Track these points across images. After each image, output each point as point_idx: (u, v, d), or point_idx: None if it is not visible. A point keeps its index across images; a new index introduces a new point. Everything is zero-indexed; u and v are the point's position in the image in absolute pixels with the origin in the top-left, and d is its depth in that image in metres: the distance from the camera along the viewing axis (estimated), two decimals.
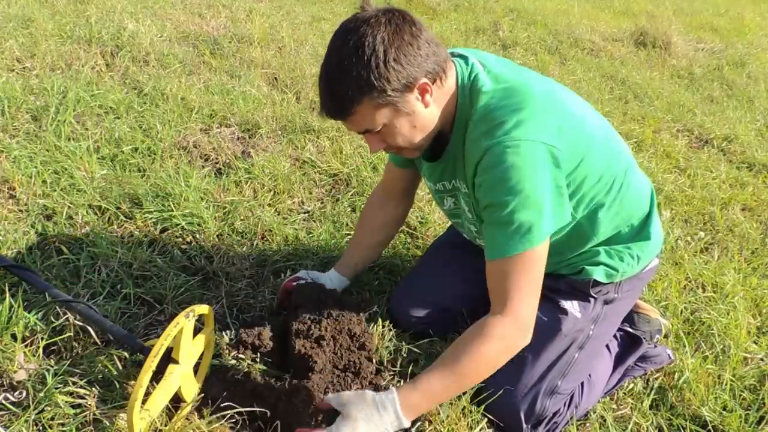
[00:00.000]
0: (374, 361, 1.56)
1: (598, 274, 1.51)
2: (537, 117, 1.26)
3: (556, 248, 1.50)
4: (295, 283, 1.67)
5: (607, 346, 1.68)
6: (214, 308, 1.66)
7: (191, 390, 1.35)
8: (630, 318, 1.77)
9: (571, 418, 1.52)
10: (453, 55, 1.39)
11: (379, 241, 1.82)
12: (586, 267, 1.52)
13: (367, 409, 1.25)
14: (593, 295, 1.53)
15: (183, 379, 1.30)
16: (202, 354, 1.41)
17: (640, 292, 1.75)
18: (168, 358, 1.28)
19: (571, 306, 1.53)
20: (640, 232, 1.55)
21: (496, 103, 1.28)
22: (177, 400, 1.33)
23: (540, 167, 1.23)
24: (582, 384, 1.56)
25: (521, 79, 1.34)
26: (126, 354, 1.45)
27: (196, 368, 1.39)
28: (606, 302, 1.57)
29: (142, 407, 1.19)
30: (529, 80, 1.35)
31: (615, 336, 1.73)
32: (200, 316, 1.35)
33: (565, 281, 1.55)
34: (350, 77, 1.19)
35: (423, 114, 1.29)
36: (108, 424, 1.27)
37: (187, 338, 1.29)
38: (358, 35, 1.18)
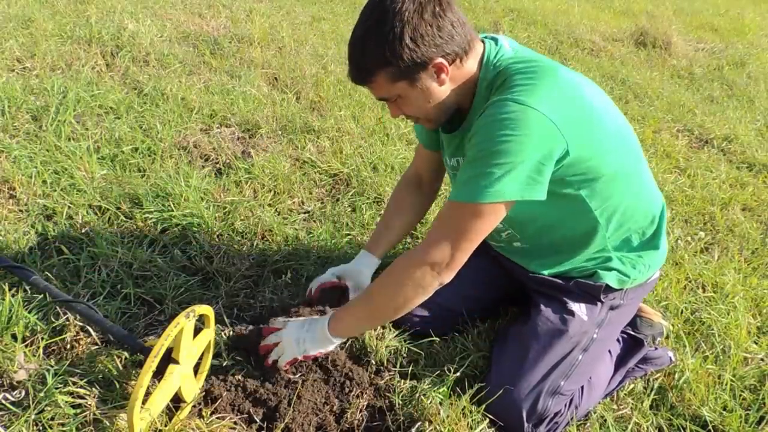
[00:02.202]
0: (373, 360, 1.57)
1: (610, 279, 1.52)
2: (554, 92, 1.26)
3: (570, 245, 1.51)
4: (320, 286, 1.69)
5: (609, 350, 1.69)
6: (214, 308, 1.66)
7: (191, 390, 1.35)
8: (633, 321, 1.77)
9: (572, 418, 1.52)
10: (486, 37, 1.41)
11: (408, 222, 1.80)
12: (600, 271, 1.53)
13: (310, 322, 1.46)
14: (602, 299, 1.55)
15: (183, 379, 1.30)
16: (202, 354, 1.41)
17: (642, 300, 1.76)
18: (168, 358, 1.28)
19: (579, 308, 1.54)
20: (651, 242, 1.57)
21: (519, 72, 1.30)
22: (177, 400, 1.33)
23: (535, 138, 1.21)
24: (582, 386, 1.56)
25: (551, 64, 1.34)
26: (126, 354, 1.45)
27: (196, 368, 1.39)
28: (612, 308, 1.58)
29: (142, 407, 1.19)
30: (558, 65, 1.35)
31: (617, 339, 1.74)
32: (200, 316, 1.35)
33: (577, 283, 1.56)
34: (369, 49, 1.25)
35: (437, 90, 1.33)
36: (108, 424, 1.27)
37: (187, 338, 1.29)
38: (383, 9, 1.22)
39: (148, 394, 1.23)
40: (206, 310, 1.36)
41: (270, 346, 1.46)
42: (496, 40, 1.40)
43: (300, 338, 1.43)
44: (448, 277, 1.33)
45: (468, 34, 1.31)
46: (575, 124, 1.27)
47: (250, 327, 1.60)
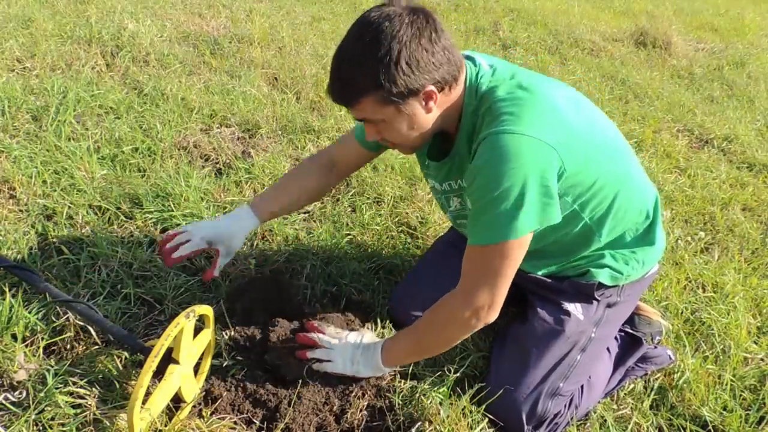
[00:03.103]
0: None
1: (603, 276, 1.52)
2: (540, 115, 1.26)
3: (562, 249, 1.51)
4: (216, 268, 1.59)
5: (607, 348, 1.69)
6: (214, 308, 1.66)
7: (191, 390, 1.35)
8: (631, 319, 1.77)
9: (572, 418, 1.52)
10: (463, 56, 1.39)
11: (306, 196, 1.73)
12: (592, 269, 1.52)
13: (365, 348, 1.48)
14: (597, 297, 1.54)
15: (183, 380, 1.30)
16: (202, 354, 1.41)
17: (640, 296, 1.76)
18: (168, 358, 1.28)
19: (575, 308, 1.54)
20: (645, 237, 1.55)
21: (503, 99, 1.29)
22: (177, 401, 1.33)
23: (532, 163, 1.22)
24: (582, 385, 1.56)
25: (530, 79, 1.35)
26: (126, 354, 1.45)
27: (196, 368, 1.39)
28: (608, 305, 1.57)
29: (142, 407, 1.19)
30: (537, 80, 1.35)
31: (615, 337, 1.74)
32: (201, 316, 1.35)
33: (570, 283, 1.55)
34: (360, 70, 1.20)
35: (423, 117, 1.30)
36: (108, 424, 1.27)
37: (187, 338, 1.29)
38: (378, 30, 1.18)
39: (148, 394, 1.23)
40: (206, 310, 1.36)
41: (312, 341, 1.48)
42: (473, 60, 1.38)
43: (354, 359, 1.46)
44: (492, 318, 1.34)
45: (458, 60, 1.29)
46: (565, 140, 1.27)
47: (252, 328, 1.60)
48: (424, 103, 1.27)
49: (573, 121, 1.33)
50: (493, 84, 1.33)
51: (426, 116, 1.30)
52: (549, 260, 1.55)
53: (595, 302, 1.55)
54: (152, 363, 1.16)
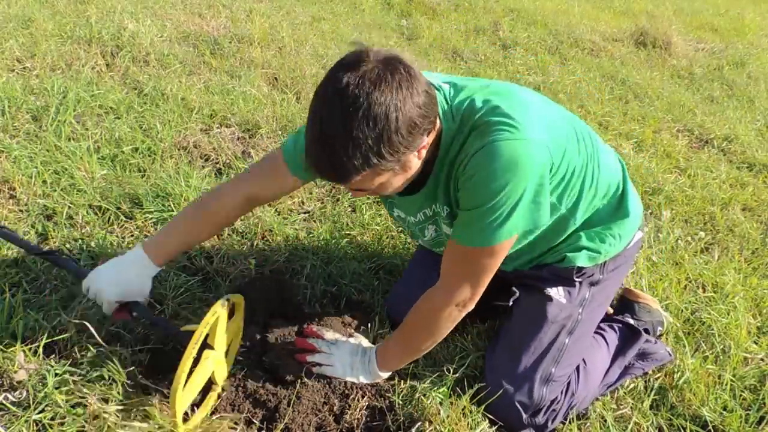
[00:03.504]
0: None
1: (581, 260, 1.51)
2: (526, 115, 1.25)
3: (540, 239, 1.50)
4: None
5: (605, 337, 1.69)
6: None
7: (222, 374, 1.40)
8: (631, 308, 1.77)
9: (571, 407, 1.52)
10: None
11: (209, 235, 1.58)
12: (568, 254, 1.51)
13: (363, 354, 1.49)
14: (577, 279, 1.53)
15: (216, 364, 1.35)
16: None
17: (629, 269, 1.75)
18: (203, 344, 1.31)
19: (556, 292, 1.54)
20: (618, 209, 1.54)
21: (485, 110, 1.26)
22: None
23: (530, 167, 1.22)
24: (578, 370, 1.56)
25: (492, 84, 1.35)
26: (126, 354, 1.45)
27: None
28: (592, 284, 1.57)
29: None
30: (499, 83, 1.36)
31: (614, 328, 1.74)
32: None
33: (549, 269, 1.55)
34: (358, 148, 1.08)
35: (415, 165, 1.25)
36: (108, 424, 1.27)
37: (222, 326, 1.34)
38: (369, 102, 1.06)
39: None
40: (238, 298, 1.42)
41: (312, 346, 1.49)
42: (437, 88, 1.32)
43: (354, 366, 1.48)
44: (471, 307, 1.38)
45: (434, 96, 1.20)
46: (549, 134, 1.28)
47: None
48: (418, 154, 1.22)
49: (548, 114, 1.34)
50: (466, 97, 1.29)
51: (417, 162, 1.25)
52: (526, 256, 1.55)
53: (577, 284, 1.54)
54: (193, 349, 1.21)
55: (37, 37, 3.13)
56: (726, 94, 4.63)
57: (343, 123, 1.08)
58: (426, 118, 1.16)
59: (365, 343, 1.54)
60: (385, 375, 1.50)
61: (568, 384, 1.54)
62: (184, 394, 1.25)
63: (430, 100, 1.17)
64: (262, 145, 2.60)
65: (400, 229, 2.15)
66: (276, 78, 3.34)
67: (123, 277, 1.38)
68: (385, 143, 1.09)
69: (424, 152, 1.24)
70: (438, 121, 1.27)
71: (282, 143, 1.46)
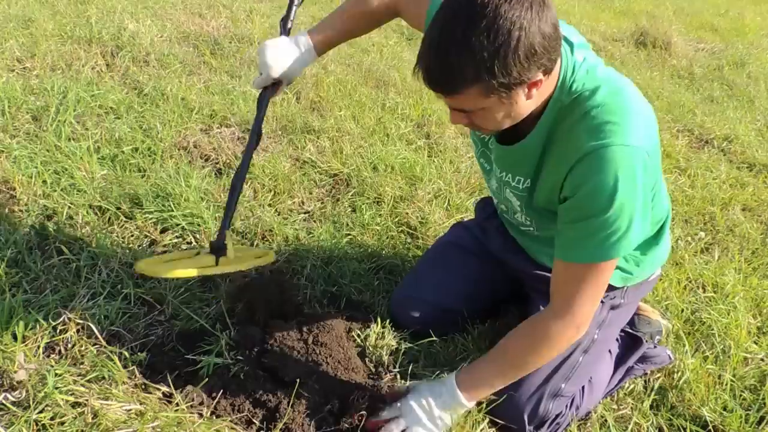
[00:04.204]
0: (373, 359, 1.57)
1: (613, 278, 1.49)
2: (637, 118, 1.21)
3: None
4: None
5: (609, 350, 1.68)
6: (213, 308, 1.66)
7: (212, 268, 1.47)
8: (630, 320, 1.77)
9: (572, 419, 1.52)
10: None
11: (363, 30, 1.68)
12: None
13: (430, 388, 1.39)
14: (602, 299, 1.52)
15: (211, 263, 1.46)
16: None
17: (639, 302, 1.76)
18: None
19: None
20: (656, 238, 1.54)
21: (600, 105, 1.20)
22: None
23: (640, 178, 1.18)
24: (583, 386, 1.56)
25: (617, 79, 1.28)
26: (126, 353, 1.45)
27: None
28: (612, 308, 1.57)
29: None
30: (621, 80, 1.29)
31: (617, 339, 1.73)
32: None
33: None
34: (472, 60, 1.05)
35: (523, 105, 1.18)
36: (108, 424, 1.27)
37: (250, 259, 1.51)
38: (496, 15, 1.03)
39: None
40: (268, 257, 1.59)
41: (380, 422, 1.37)
42: (567, 41, 1.25)
43: (430, 416, 1.36)
44: (586, 327, 1.33)
45: (561, 39, 1.14)
46: (652, 147, 1.24)
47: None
48: (527, 90, 1.15)
49: (654, 123, 1.28)
50: (589, 86, 1.23)
51: (526, 104, 1.18)
52: None
53: (599, 303, 1.54)
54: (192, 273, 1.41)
55: (37, 37, 3.13)
56: (726, 94, 4.63)
57: (463, 30, 1.05)
58: (546, 53, 1.09)
59: (421, 386, 1.42)
60: (471, 405, 1.40)
61: (573, 399, 1.53)
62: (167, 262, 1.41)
63: (556, 36, 1.11)
64: (262, 145, 2.60)
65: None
66: None
67: (287, 61, 1.52)
68: (500, 60, 1.05)
69: (534, 93, 1.16)
70: (556, 74, 1.21)
71: None
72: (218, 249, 1.46)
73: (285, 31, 1.58)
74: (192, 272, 1.42)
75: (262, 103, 1.54)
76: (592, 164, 1.17)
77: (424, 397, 1.37)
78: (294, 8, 1.59)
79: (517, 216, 1.53)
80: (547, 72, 1.14)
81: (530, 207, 1.42)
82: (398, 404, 1.38)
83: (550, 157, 1.29)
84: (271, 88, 1.55)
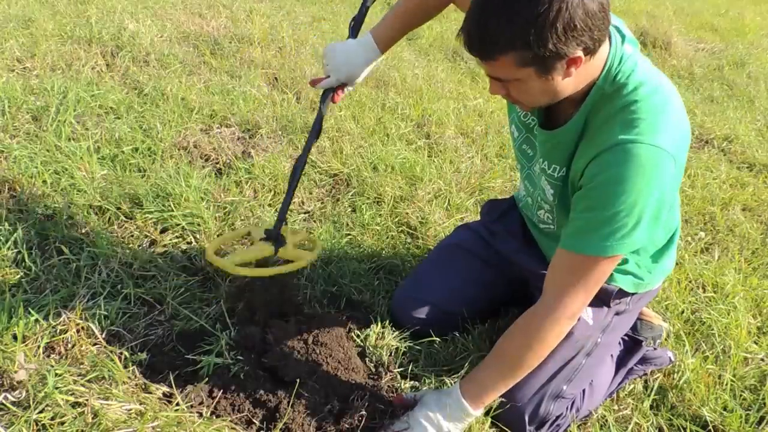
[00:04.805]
0: (373, 359, 1.57)
1: (625, 282, 1.50)
2: (674, 125, 1.20)
3: None
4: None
5: (611, 354, 1.69)
6: (213, 308, 1.66)
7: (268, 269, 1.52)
8: (633, 324, 1.77)
9: (573, 421, 1.52)
10: None
11: (422, 20, 1.65)
12: (615, 274, 1.49)
13: (436, 400, 1.39)
14: (610, 304, 1.52)
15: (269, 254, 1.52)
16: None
17: (639, 311, 1.76)
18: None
19: (585, 312, 1.51)
20: (665, 247, 1.54)
21: (639, 101, 1.20)
22: None
23: (660, 181, 1.17)
24: (584, 389, 1.56)
25: (665, 83, 1.28)
26: (126, 353, 1.45)
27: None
28: (617, 313, 1.57)
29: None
30: (670, 87, 1.28)
31: (619, 343, 1.73)
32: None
33: None
34: (510, 25, 1.07)
35: (560, 84, 1.18)
36: (108, 423, 1.27)
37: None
38: None
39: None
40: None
41: None
42: (619, 31, 1.25)
43: (438, 428, 1.36)
44: (574, 321, 1.33)
45: (608, 23, 1.13)
46: (683, 144, 1.24)
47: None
48: (565, 67, 1.14)
49: (687, 129, 1.26)
50: (634, 80, 1.22)
51: (562, 82, 1.17)
52: None
53: (605, 308, 1.53)
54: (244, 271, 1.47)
55: (37, 37, 3.13)
56: (726, 94, 4.63)
57: None
58: (588, 30, 1.08)
59: (428, 397, 1.42)
60: (479, 413, 1.40)
61: (573, 401, 1.53)
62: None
63: (602, 17, 1.10)
64: (262, 145, 2.60)
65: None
66: (276, 78, 3.34)
67: (354, 62, 1.55)
68: (537, 30, 1.05)
69: (573, 72, 1.16)
70: (602, 59, 1.20)
71: None
72: (276, 238, 1.53)
73: (354, 33, 1.59)
74: (265, 272, 1.50)
75: (325, 102, 1.58)
76: (617, 156, 1.17)
77: (431, 410, 1.37)
78: (365, 10, 1.58)
79: (540, 213, 1.55)
80: (588, 52, 1.13)
81: (564, 197, 1.40)
82: (406, 417, 1.38)
83: (583, 145, 1.28)
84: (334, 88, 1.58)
